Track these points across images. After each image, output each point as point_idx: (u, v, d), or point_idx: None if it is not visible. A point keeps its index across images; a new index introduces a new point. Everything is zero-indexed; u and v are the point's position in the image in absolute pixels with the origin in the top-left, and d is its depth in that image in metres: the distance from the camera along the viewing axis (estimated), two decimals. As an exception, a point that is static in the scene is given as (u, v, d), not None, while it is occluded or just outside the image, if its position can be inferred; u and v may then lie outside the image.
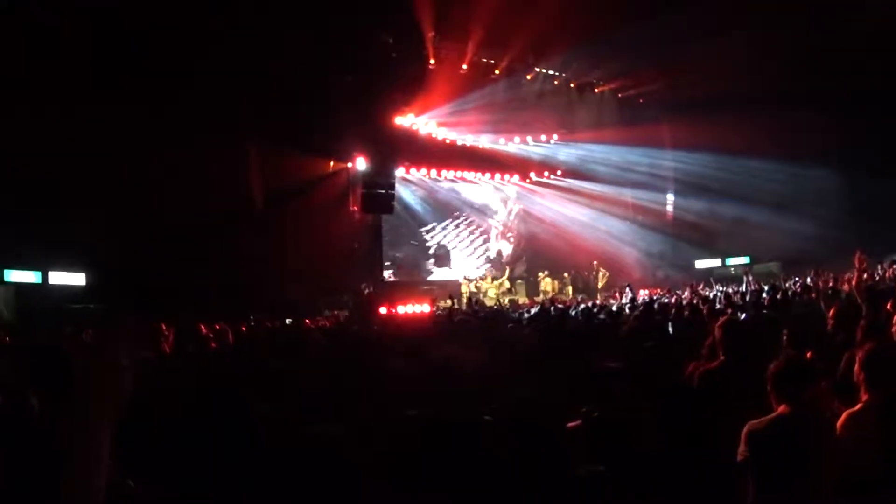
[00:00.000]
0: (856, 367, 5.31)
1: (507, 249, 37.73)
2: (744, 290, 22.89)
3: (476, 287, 32.46)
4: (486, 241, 37.17)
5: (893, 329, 6.24)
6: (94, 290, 22.85)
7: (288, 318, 18.35)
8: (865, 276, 11.54)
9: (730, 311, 11.92)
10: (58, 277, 22.98)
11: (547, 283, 33.74)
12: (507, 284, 34.13)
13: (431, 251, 34.93)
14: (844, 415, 5.06)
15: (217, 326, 15.58)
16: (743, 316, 12.11)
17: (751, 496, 4.68)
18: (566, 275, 34.31)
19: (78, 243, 21.35)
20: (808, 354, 6.75)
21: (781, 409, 4.62)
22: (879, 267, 25.40)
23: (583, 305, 20.99)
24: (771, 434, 4.56)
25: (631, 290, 26.63)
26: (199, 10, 20.94)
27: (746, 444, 4.63)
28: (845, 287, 16.06)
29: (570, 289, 33.64)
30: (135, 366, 2.38)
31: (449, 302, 27.77)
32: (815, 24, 25.82)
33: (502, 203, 37.66)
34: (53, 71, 19.85)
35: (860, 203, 28.80)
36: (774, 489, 4.57)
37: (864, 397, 5.15)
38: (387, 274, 32.99)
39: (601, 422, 4.97)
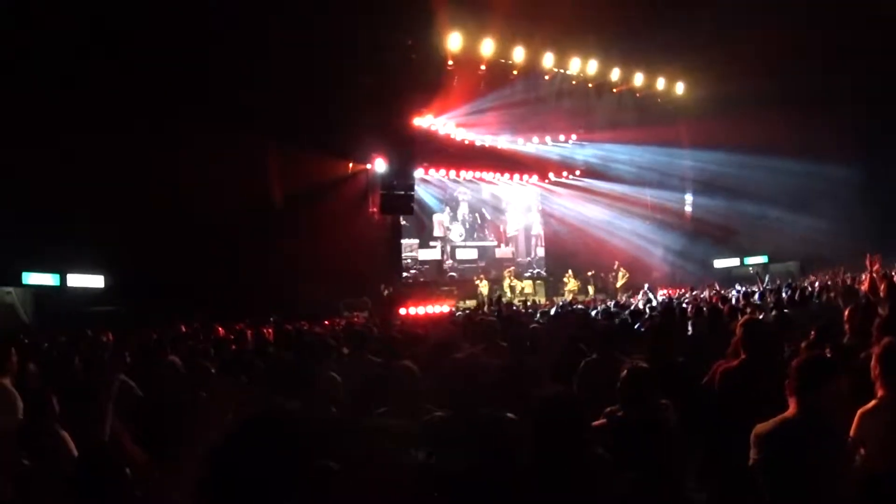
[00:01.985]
0: (872, 362, 5.33)
1: (526, 249, 37.79)
2: (760, 289, 22.85)
3: (494, 288, 32.45)
4: (505, 240, 37.24)
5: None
6: (113, 292, 22.99)
7: (308, 319, 18.40)
8: (880, 276, 11.53)
9: (749, 310, 11.91)
10: (76, 280, 23.12)
11: (571, 283, 33.72)
12: (526, 284, 34.12)
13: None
14: (859, 413, 5.07)
15: (238, 327, 15.77)
16: (761, 315, 12.11)
17: (765, 499, 4.70)
18: (589, 274, 34.27)
19: (96, 245, 21.48)
20: (827, 350, 6.80)
21: (791, 410, 4.62)
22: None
23: (602, 305, 20.98)
24: (778, 437, 4.54)
25: (650, 290, 26.60)
26: (223, 11, 21.00)
27: (756, 448, 4.65)
28: (863, 287, 16.02)
29: (591, 288, 33.60)
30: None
31: (472, 303, 27.88)
32: (833, 21, 25.72)
33: (521, 203, 37.70)
34: (71, 74, 19.97)
35: (879, 202, 28.69)
36: (786, 492, 4.58)
37: (881, 393, 5.16)
38: (409, 273, 33.23)
39: (626, 421, 5.03)
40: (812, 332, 7.34)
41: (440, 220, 35.17)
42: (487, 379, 4.88)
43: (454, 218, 35.77)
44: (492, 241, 37.02)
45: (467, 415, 4.61)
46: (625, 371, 5.23)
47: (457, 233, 35.75)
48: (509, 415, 4.66)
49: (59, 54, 19.61)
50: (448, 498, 4.32)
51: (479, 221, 36.51)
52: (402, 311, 23.89)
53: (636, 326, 11.53)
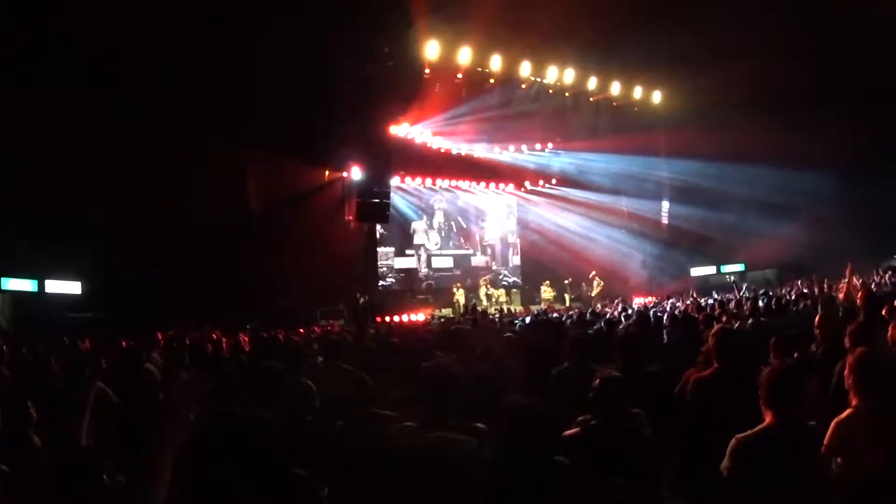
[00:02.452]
0: (846, 371, 5.34)
1: (502, 258, 37.80)
2: (737, 297, 22.93)
3: (470, 296, 32.44)
4: (481, 249, 37.23)
5: (888, 335, 6.26)
6: (91, 299, 22.87)
7: (284, 327, 18.36)
8: (856, 285, 11.62)
9: (724, 318, 11.92)
10: (54, 286, 22.98)
11: (547, 292, 33.74)
12: (502, 293, 34.13)
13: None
14: (834, 422, 5.08)
15: (214, 335, 15.74)
16: (737, 324, 12.13)
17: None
18: (566, 282, 34.31)
19: (74, 251, 21.35)
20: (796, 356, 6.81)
21: (768, 420, 4.62)
22: (875, 273, 25.45)
23: (574, 313, 21.05)
24: (758, 447, 4.56)
25: (623, 303, 26.71)
26: (197, 18, 20.94)
27: (731, 459, 4.63)
28: (840, 295, 16.12)
29: (567, 297, 33.64)
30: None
31: (447, 311, 27.88)
32: (811, 29, 25.88)
33: (497, 211, 37.70)
34: (51, 78, 19.86)
35: (856, 210, 28.83)
36: (761, 502, 4.58)
37: (855, 402, 5.16)
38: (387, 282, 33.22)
39: (598, 430, 4.99)
40: (773, 340, 7.33)
41: (416, 229, 35.06)
42: (456, 388, 4.83)
43: (430, 226, 35.67)
44: (467, 249, 36.92)
45: (437, 424, 4.56)
46: (597, 380, 5.20)
47: (433, 241, 35.66)
48: (478, 424, 4.62)
49: (34, 59, 19.52)
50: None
51: (454, 230, 36.42)
52: (378, 319, 23.83)
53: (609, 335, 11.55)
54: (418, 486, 4.15)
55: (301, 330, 18.52)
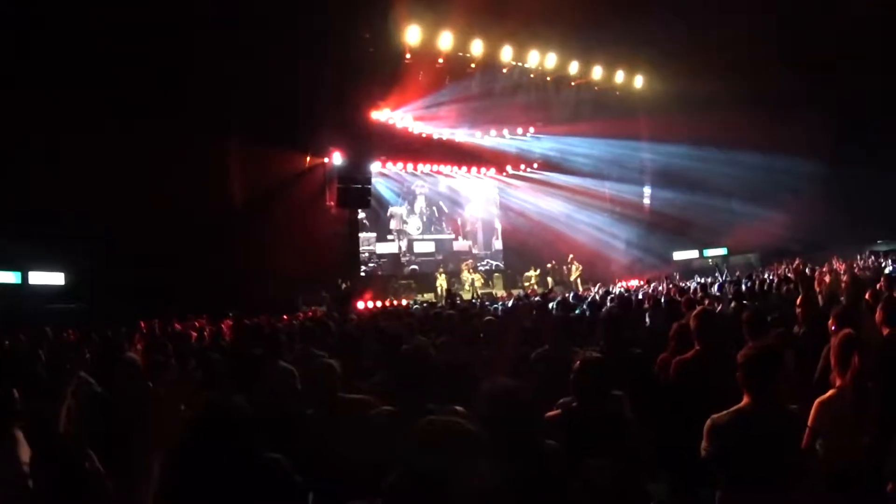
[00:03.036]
0: (830, 353, 5.35)
1: (484, 242, 37.79)
2: (720, 280, 23.00)
3: (453, 281, 32.45)
4: (463, 233, 37.20)
5: (876, 318, 6.27)
6: (74, 290, 22.78)
7: (267, 314, 18.37)
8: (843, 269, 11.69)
9: (707, 301, 11.92)
10: (38, 277, 22.91)
11: (531, 276, 33.81)
12: (484, 277, 34.15)
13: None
14: (817, 402, 5.09)
15: (197, 324, 15.79)
16: (719, 307, 12.15)
17: (719, 490, 4.69)
18: (548, 266, 34.40)
19: (57, 243, 21.26)
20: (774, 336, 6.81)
21: (745, 401, 4.62)
22: (859, 257, 25.58)
23: (559, 297, 21.07)
24: (733, 428, 4.57)
25: (604, 286, 26.80)
26: (173, 7, 20.79)
27: (709, 440, 4.63)
28: (826, 279, 16.21)
29: (550, 281, 33.70)
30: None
31: (430, 296, 27.87)
32: (794, 18, 25.91)
33: (479, 196, 37.64)
34: (29, 74, 19.73)
35: (839, 194, 28.92)
36: (740, 483, 4.57)
37: (838, 383, 5.18)
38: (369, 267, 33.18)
39: (579, 412, 4.96)
40: (746, 316, 7.30)
41: (395, 213, 34.99)
42: (435, 371, 4.79)
43: (411, 211, 35.64)
44: (449, 234, 36.88)
45: (414, 409, 4.52)
46: (577, 362, 5.16)
47: (414, 226, 35.61)
48: (457, 408, 4.58)
49: (15, 54, 19.40)
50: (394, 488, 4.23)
51: (436, 215, 36.39)
52: (361, 304, 23.82)
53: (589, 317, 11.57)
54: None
55: (285, 317, 18.52)
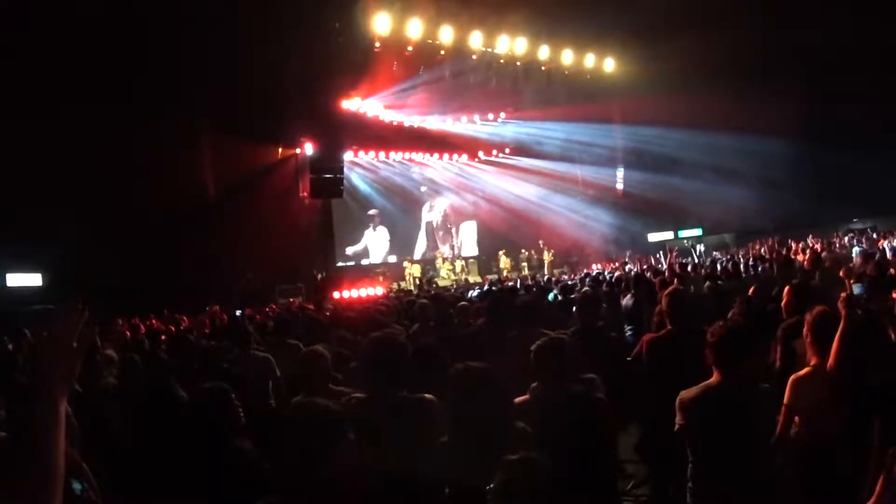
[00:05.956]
0: (805, 330, 5.37)
1: (457, 229, 37.76)
2: (695, 261, 23.10)
3: (426, 269, 32.46)
4: (437, 221, 37.14)
5: (843, 294, 6.29)
6: (51, 291, 22.63)
7: (244, 306, 18.38)
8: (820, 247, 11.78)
9: (676, 281, 11.93)
10: (15, 279, 22.75)
11: (504, 262, 33.89)
12: (459, 264, 34.13)
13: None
14: (792, 379, 5.11)
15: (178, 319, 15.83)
16: (693, 288, 12.18)
17: (690, 463, 4.71)
18: (523, 251, 34.47)
19: (32, 244, 21.10)
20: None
21: (714, 377, 4.63)
22: (835, 236, 25.75)
23: (529, 280, 21.10)
24: (700, 403, 4.60)
25: (576, 269, 26.89)
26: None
27: (681, 413, 4.65)
28: (800, 258, 16.30)
29: (525, 266, 33.78)
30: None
31: (405, 284, 27.87)
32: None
33: (451, 182, 37.51)
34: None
35: (813, 175, 29.07)
36: (709, 456, 4.59)
37: (813, 361, 5.20)
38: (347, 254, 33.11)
39: (549, 396, 4.94)
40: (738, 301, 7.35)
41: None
42: (406, 358, 4.78)
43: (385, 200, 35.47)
44: (421, 221, 36.81)
45: (384, 395, 4.51)
46: (538, 343, 5.15)
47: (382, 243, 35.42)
48: (427, 396, 4.57)
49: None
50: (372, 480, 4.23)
51: (409, 202, 36.25)
52: (336, 294, 23.81)
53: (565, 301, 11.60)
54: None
55: (267, 309, 18.52)
